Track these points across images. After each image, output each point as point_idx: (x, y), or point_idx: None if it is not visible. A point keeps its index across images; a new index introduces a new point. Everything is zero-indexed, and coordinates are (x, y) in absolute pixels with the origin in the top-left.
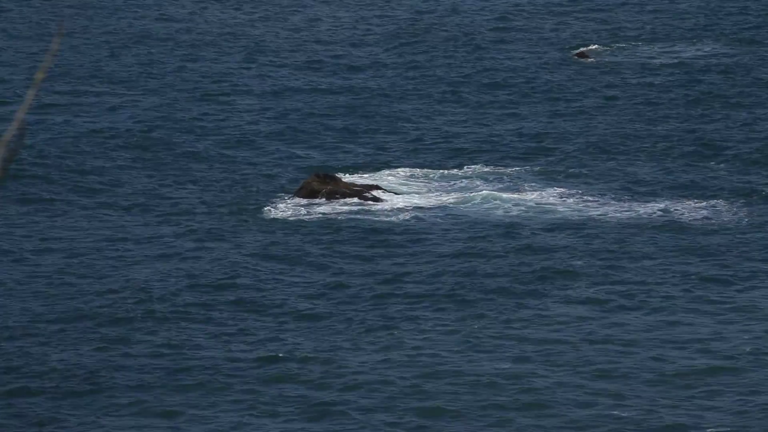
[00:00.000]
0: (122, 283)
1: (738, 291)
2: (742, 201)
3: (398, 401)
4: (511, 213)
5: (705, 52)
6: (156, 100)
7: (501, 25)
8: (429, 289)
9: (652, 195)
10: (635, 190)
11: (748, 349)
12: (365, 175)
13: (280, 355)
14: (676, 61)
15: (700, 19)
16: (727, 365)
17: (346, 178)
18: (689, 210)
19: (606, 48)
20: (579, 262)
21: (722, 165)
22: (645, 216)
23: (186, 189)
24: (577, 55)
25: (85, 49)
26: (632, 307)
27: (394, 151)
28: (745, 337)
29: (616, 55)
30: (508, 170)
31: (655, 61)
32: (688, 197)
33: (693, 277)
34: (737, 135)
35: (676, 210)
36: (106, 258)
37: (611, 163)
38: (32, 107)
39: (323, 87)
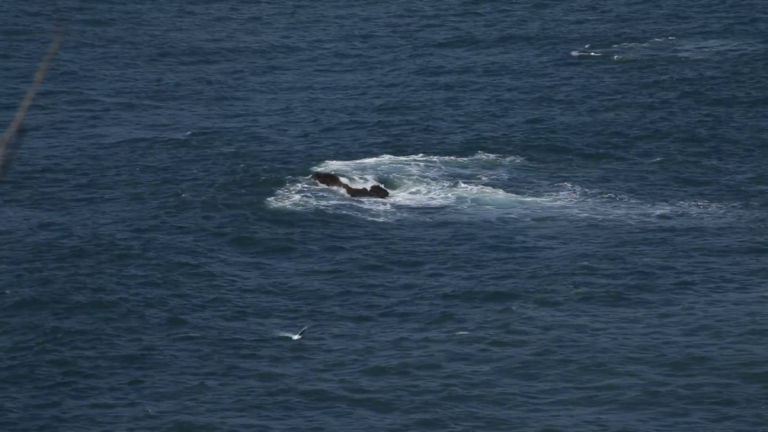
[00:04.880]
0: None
1: (745, 290)
2: (750, 200)
3: (396, 399)
4: (512, 214)
5: (714, 48)
6: (165, 103)
7: (509, 20)
8: (427, 289)
9: (657, 194)
10: (640, 189)
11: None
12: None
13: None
14: (685, 57)
15: (707, 16)
16: (723, 374)
17: (347, 173)
18: (695, 209)
19: (613, 46)
20: (580, 263)
21: (729, 166)
22: (649, 215)
23: (184, 187)
24: (583, 52)
25: (120, 62)
26: (637, 308)
27: (395, 146)
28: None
29: (624, 53)
30: (510, 168)
31: (661, 58)
32: (693, 196)
33: (699, 277)
34: (747, 133)
35: (682, 209)
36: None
37: (615, 162)
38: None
39: (327, 85)
